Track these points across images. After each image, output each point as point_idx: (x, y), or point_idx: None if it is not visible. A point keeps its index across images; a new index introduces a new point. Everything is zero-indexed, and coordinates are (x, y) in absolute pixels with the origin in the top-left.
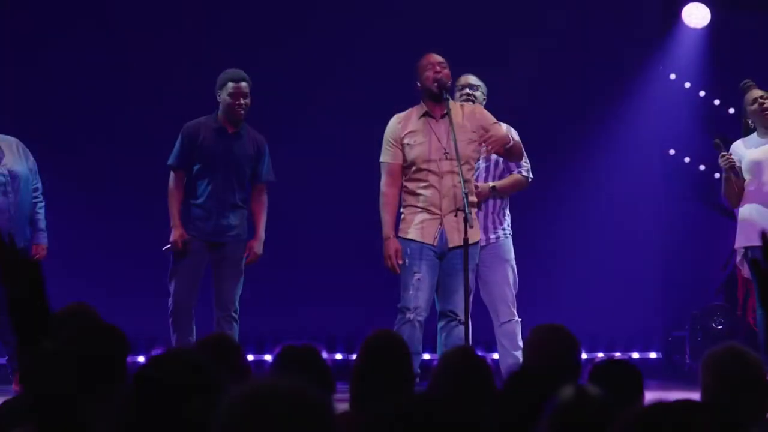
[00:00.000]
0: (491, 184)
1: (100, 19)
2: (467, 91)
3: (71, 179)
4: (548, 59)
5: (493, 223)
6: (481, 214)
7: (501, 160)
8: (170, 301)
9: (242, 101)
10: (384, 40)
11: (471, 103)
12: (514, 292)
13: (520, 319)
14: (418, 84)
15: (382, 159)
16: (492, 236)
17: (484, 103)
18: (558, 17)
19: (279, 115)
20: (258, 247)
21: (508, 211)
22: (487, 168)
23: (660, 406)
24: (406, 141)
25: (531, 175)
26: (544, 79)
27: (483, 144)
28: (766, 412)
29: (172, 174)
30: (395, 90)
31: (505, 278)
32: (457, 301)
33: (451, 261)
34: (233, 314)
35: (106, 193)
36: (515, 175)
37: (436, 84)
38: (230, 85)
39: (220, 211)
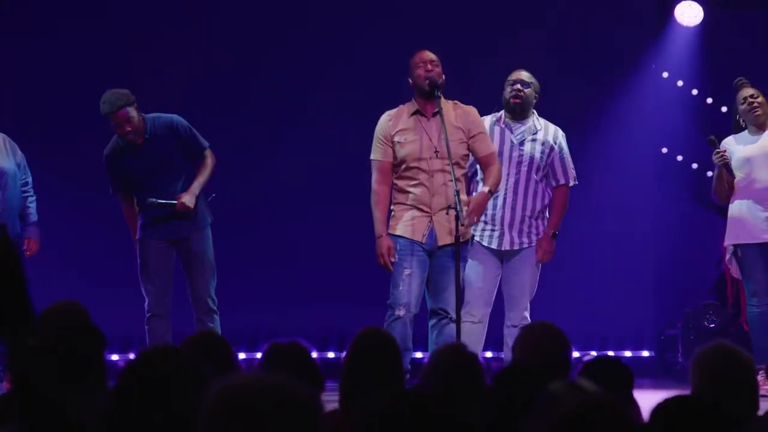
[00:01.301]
0: (551, 232)
1: (100, 19)
2: (518, 87)
3: (71, 179)
4: (540, 58)
5: (529, 227)
6: (518, 215)
7: (541, 166)
8: (145, 306)
9: (128, 128)
10: (383, 40)
11: (519, 100)
12: (530, 298)
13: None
14: (410, 80)
15: (372, 156)
16: (525, 240)
17: (536, 101)
18: (551, 16)
19: (279, 115)
20: (186, 198)
21: (547, 214)
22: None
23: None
24: (396, 139)
25: (576, 181)
26: (537, 78)
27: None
28: (757, 409)
29: (120, 199)
30: (395, 90)
31: (528, 284)
32: (448, 299)
33: (441, 259)
34: (212, 307)
35: (106, 193)
36: (564, 199)
37: (427, 82)
38: (110, 118)
39: (171, 210)
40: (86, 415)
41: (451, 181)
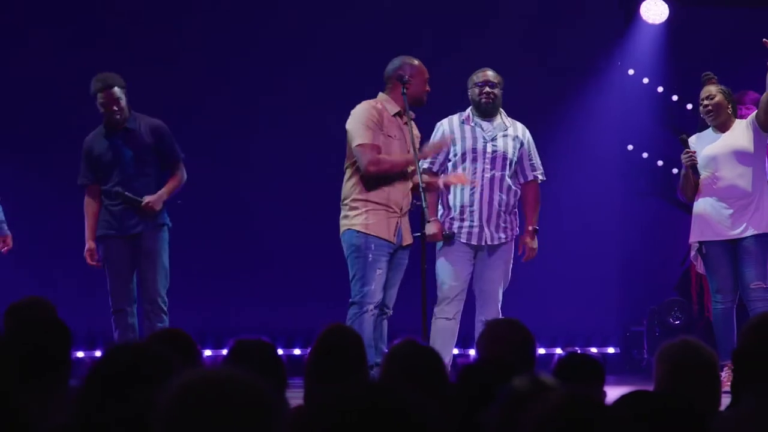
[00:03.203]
0: (532, 228)
1: (76, 18)
2: (488, 89)
3: (62, 179)
4: (506, 56)
5: (505, 222)
6: (495, 211)
7: (514, 162)
8: (110, 301)
9: (115, 107)
10: (359, 39)
11: (490, 101)
12: (503, 291)
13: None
14: (409, 82)
15: (366, 140)
16: (502, 236)
17: (502, 99)
18: (516, 14)
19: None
20: (153, 199)
21: (516, 211)
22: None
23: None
24: (387, 133)
25: (544, 177)
26: (503, 75)
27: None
28: (719, 405)
29: (85, 192)
30: (372, 89)
31: (502, 279)
32: (393, 296)
33: (400, 256)
34: (161, 305)
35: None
36: (537, 195)
37: (422, 99)
38: (99, 96)
39: (133, 207)
40: (42, 415)
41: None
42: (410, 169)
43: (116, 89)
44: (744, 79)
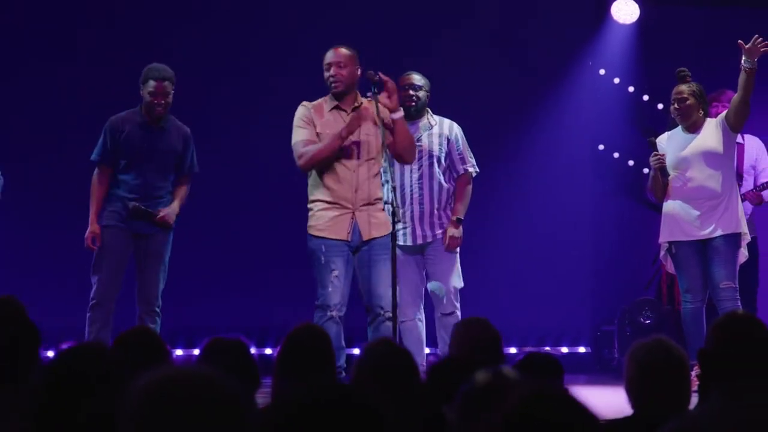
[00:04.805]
0: (455, 218)
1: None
2: (410, 92)
3: (33, 176)
4: (477, 55)
5: (440, 219)
6: (426, 209)
7: (441, 158)
8: (91, 293)
9: (162, 101)
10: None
11: (413, 103)
12: (457, 286)
13: (459, 313)
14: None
15: (298, 138)
16: (438, 232)
17: (428, 101)
18: (487, 13)
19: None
20: (168, 213)
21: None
22: (426, 166)
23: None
24: (319, 130)
25: (477, 170)
26: (474, 74)
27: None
28: (688, 404)
29: (96, 169)
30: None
31: (448, 272)
32: (383, 295)
33: (368, 253)
34: (156, 308)
35: (43, 188)
36: (465, 187)
37: (336, 86)
38: (151, 83)
39: (146, 204)
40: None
41: (376, 175)
42: (354, 162)
43: (168, 83)
44: (715, 79)
